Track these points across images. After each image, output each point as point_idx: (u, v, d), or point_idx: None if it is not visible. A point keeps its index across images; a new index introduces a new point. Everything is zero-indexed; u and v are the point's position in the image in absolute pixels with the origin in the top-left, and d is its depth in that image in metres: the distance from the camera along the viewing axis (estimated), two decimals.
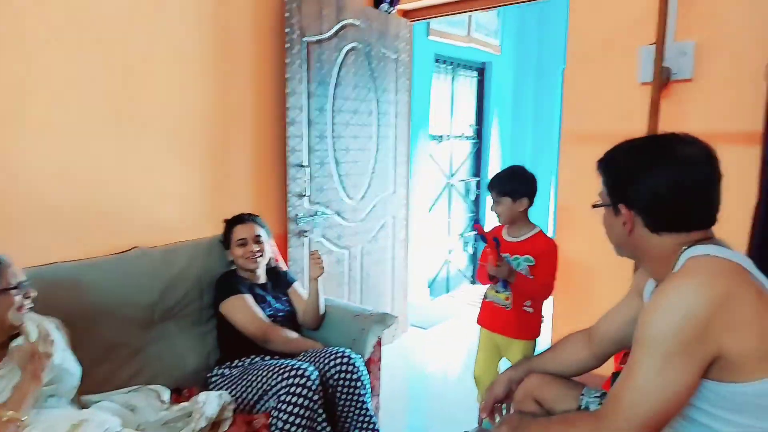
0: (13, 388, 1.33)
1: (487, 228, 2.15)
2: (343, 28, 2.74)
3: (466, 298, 4.28)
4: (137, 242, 2.05)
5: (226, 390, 1.79)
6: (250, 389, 1.76)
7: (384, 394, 2.25)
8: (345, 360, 1.87)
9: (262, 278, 2.15)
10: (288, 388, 1.63)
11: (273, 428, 1.63)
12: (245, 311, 1.97)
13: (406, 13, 3.24)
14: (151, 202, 2.16)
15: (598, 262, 2.50)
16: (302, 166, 2.61)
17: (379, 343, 2.19)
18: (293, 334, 2.03)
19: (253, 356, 1.95)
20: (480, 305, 2.18)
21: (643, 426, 0.92)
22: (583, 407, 1.32)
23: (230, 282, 2.04)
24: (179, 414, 1.57)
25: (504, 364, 2.08)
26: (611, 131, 2.07)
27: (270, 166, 2.58)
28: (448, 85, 4.23)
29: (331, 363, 1.86)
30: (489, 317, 2.13)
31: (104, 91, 1.97)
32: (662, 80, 2.12)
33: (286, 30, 2.46)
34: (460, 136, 4.45)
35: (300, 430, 1.62)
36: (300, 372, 1.66)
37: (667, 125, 2.17)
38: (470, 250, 4.74)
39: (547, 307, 2.10)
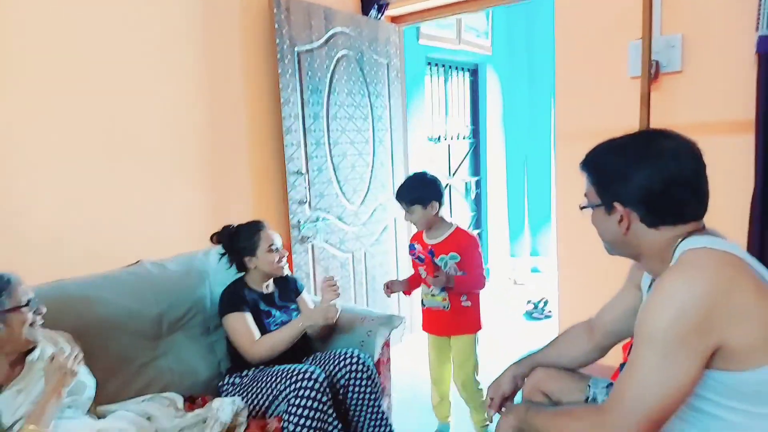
0: (31, 402, 1.36)
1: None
2: (332, 36, 2.78)
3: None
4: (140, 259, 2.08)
5: (241, 396, 1.82)
6: (261, 395, 1.79)
7: (395, 394, 2.28)
8: (354, 360, 1.90)
9: (270, 287, 2.13)
10: (296, 391, 1.67)
11: (286, 431, 1.66)
12: (240, 331, 1.93)
13: (394, 19, 3.28)
14: (153, 223, 2.19)
15: (600, 257, 2.54)
16: (301, 173, 2.65)
17: (387, 345, 2.22)
18: (278, 333, 1.95)
19: (262, 366, 1.95)
20: (421, 314, 2.24)
21: (647, 420, 0.93)
22: (591, 398, 1.34)
23: (236, 295, 2.01)
24: (194, 420, 1.60)
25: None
26: (605, 126, 2.10)
27: (270, 175, 2.62)
28: (441, 87, 4.27)
29: (341, 364, 1.89)
30: (432, 322, 2.20)
31: (101, 117, 2.01)
32: (651, 73, 2.16)
33: (277, 41, 2.50)
34: (457, 137, 4.49)
35: (311, 431, 1.65)
36: (307, 375, 1.69)
37: (658, 117, 2.21)
38: None
39: (483, 298, 2.18)
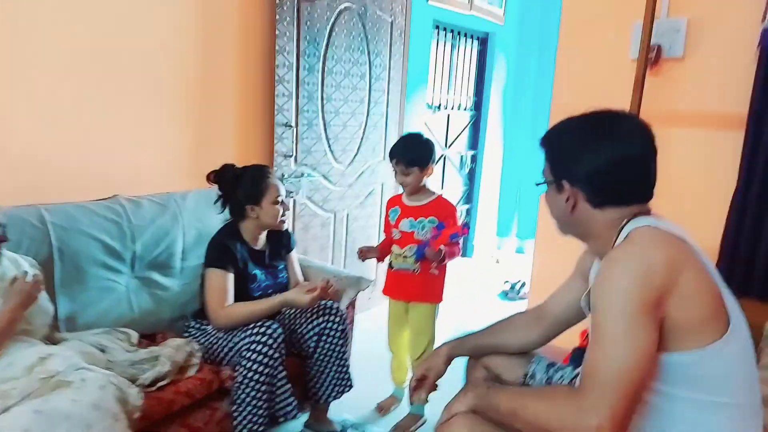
0: None
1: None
2: None
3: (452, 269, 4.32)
4: (116, 192, 2.07)
5: (198, 341, 1.84)
6: (219, 344, 1.81)
7: (354, 357, 2.28)
8: (331, 311, 1.93)
9: (262, 241, 2.02)
10: (250, 345, 1.69)
11: (235, 381, 1.70)
12: (214, 290, 1.84)
13: None
14: (132, 156, 2.17)
15: (578, 243, 2.53)
16: (290, 126, 2.61)
17: (352, 305, 2.23)
18: (252, 305, 1.83)
19: None
20: (385, 277, 2.23)
21: (624, 395, 0.90)
22: (529, 375, 1.36)
23: (226, 250, 1.88)
24: (147, 356, 1.63)
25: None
26: (598, 108, 2.07)
27: (256, 125, 2.58)
28: (447, 53, 4.17)
29: (319, 313, 1.92)
30: (396, 286, 2.19)
31: (88, 46, 1.97)
32: (651, 57, 2.10)
33: None
34: (458, 107, 4.42)
35: (259, 385, 1.69)
36: (263, 330, 1.70)
37: (654, 104, 2.15)
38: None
39: (462, 273, 2.17)
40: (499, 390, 1.15)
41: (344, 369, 1.97)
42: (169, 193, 2.19)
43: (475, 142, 4.68)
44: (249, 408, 1.69)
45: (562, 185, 1.08)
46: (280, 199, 1.92)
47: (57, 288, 1.76)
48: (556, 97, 2.57)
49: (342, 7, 2.75)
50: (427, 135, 2.23)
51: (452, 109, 4.34)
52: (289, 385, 1.78)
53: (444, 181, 4.43)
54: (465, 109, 4.51)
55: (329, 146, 2.86)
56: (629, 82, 2.22)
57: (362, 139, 3.06)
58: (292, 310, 1.99)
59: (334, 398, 1.98)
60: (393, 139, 3.21)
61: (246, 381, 1.68)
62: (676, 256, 0.94)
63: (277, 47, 2.48)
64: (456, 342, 1.42)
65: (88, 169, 2.04)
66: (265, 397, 1.71)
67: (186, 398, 1.65)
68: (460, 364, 1.46)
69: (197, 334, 1.90)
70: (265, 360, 1.68)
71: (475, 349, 1.41)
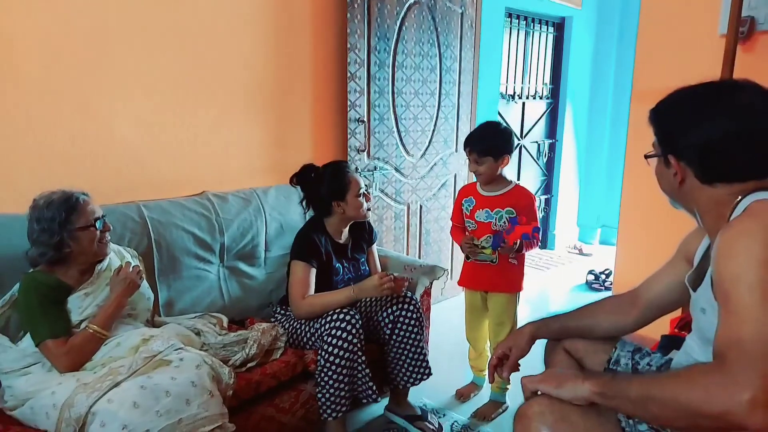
0: (97, 306, 1.54)
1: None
2: None
3: (529, 261, 4.23)
4: (204, 189, 2.23)
5: (283, 326, 1.96)
6: (303, 328, 1.91)
7: (431, 346, 2.33)
8: (406, 300, 1.97)
9: (346, 235, 2.09)
10: (330, 330, 1.77)
11: (318, 364, 1.79)
12: (297, 281, 1.92)
13: None
14: (218, 155, 2.32)
15: (663, 227, 2.40)
16: (362, 121, 2.68)
17: (427, 294, 2.26)
18: (329, 296, 1.90)
19: None
20: (461, 268, 2.21)
21: None
22: (613, 360, 1.31)
23: (312, 243, 1.95)
24: (236, 339, 1.75)
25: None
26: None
27: (330, 121, 2.67)
28: (521, 41, 4.08)
29: (393, 301, 1.97)
30: (472, 276, 2.16)
31: (179, 59, 2.13)
32: (743, 31, 1.95)
33: None
34: (533, 96, 4.31)
35: (340, 368, 1.76)
36: (342, 317, 1.78)
37: None
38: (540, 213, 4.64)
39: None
40: (629, 375, 1.12)
41: (421, 356, 2.00)
42: (252, 188, 2.33)
43: (552, 130, 4.54)
44: (332, 390, 1.77)
45: (668, 160, 1.04)
46: (362, 191, 1.99)
47: (157, 276, 1.93)
48: (637, 80, 2.46)
49: (412, 1, 2.78)
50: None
51: (527, 98, 4.24)
52: (368, 370, 1.85)
53: (520, 171, 4.34)
54: (541, 98, 4.39)
55: (400, 139, 2.90)
56: (718, 61, 2.08)
57: (433, 131, 3.07)
58: (369, 299, 2.05)
59: (413, 384, 2.02)
60: (465, 131, 3.21)
61: (328, 365, 1.76)
62: None
63: (348, 45, 2.56)
64: (541, 322, 1.38)
65: (179, 169, 2.22)
66: (346, 380, 1.78)
67: (272, 380, 1.76)
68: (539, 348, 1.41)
69: (282, 320, 2.01)
70: (345, 345, 1.75)
71: (561, 331, 1.36)
